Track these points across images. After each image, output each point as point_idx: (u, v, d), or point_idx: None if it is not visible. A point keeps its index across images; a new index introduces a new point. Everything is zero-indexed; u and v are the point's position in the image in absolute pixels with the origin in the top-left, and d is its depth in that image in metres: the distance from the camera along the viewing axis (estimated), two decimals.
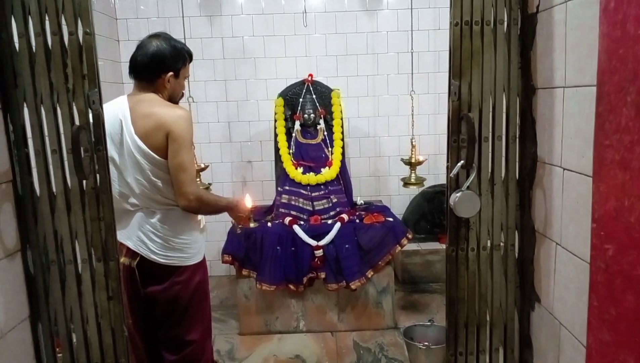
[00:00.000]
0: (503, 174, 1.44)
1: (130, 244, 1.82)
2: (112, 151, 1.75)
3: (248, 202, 1.92)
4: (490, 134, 1.41)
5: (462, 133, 1.39)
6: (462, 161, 1.38)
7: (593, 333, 0.98)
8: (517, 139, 1.43)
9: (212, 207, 1.90)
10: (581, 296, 1.19)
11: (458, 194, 1.39)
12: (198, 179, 2.62)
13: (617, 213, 0.88)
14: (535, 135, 1.39)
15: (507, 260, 1.48)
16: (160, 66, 1.78)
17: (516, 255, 1.49)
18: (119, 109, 1.76)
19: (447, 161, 1.44)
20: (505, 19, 1.37)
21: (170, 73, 1.80)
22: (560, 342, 1.32)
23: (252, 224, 1.99)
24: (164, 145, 1.73)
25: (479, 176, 1.42)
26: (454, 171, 1.40)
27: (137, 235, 1.82)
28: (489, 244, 1.47)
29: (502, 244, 1.47)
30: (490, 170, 1.43)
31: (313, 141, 3.23)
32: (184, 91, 1.93)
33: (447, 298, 1.51)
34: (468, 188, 1.40)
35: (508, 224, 1.46)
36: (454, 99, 1.39)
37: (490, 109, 1.40)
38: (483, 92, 1.39)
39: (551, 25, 1.27)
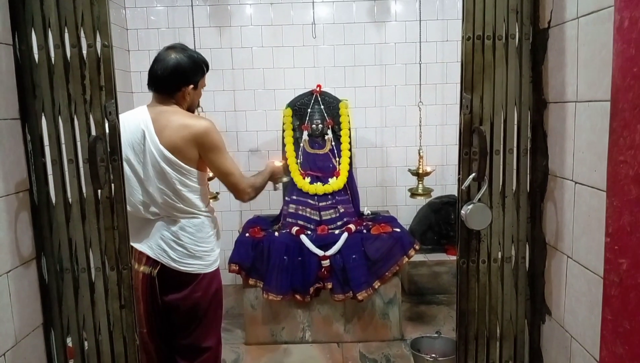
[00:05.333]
0: (514, 187, 1.45)
1: (150, 253, 1.83)
2: (133, 161, 1.77)
3: (277, 163, 2.18)
4: (502, 147, 1.42)
5: (474, 146, 1.40)
6: (473, 174, 1.39)
7: (607, 347, 0.98)
8: (529, 153, 1.44)
9: (263, 186, 2.03)
10: (593, 310, 1.19)
11: (469, 207, 1.40)
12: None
13: (631, 227, 0.88)
14: (547, 148, 1.40)
15: (518, 272, 1.48)
16: (180, 79, 1.81)
17: (527, 267, 1.49)
18: (141, 120, 1.78)
19: (459, 174, 1.45)
20: (517, 33, 1.39)
21: (191, 86, 1.84)
22: (571, 355, 1.32)
23: (284, 179, 2.25)
24: (192, 155, 1.77)
25: (490, 189, 1.43)
26: (466, 183, 1.41)
27: (157, 243, 1.83)
28: (499, 256, 1.47)
29: (512, 256, 1.48)
30: (501, 183, 1.44)
31: (321, 151, 3.24)
32: (199, 100, 1.98)
33: (457, 310, 1.51)
34: (479, 200, 1.42)
35: (519, 237, 1.47)
36: (466, 112, 1.40)
37: (502, 123, 1.41)
38: (494, 105, 1.40)
39: (563, 40, 1.29)
